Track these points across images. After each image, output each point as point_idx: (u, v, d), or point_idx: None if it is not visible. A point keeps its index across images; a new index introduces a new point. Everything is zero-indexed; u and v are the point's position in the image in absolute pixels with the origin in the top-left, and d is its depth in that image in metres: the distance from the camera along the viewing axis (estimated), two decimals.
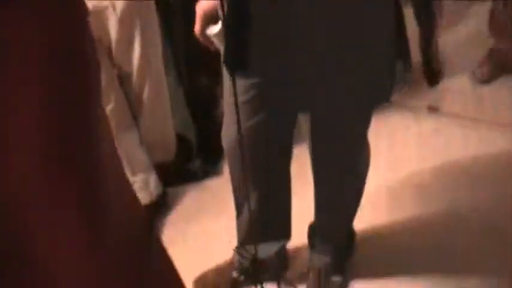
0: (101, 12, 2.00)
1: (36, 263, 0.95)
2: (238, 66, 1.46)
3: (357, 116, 1.60)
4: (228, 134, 1.67)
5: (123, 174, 1.12)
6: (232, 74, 1.40)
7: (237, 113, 1.38)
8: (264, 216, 1.75)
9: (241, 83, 1.49)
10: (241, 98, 1.50)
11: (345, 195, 1.80)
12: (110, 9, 2.01)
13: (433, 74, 2.72)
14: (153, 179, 2.26)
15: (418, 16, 2.67)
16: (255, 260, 1.74)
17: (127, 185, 1.14)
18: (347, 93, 1.50)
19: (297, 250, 2.02)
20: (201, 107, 2.55)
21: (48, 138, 0.85)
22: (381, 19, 1.46)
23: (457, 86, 2.74)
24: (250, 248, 1.87)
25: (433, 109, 2.69)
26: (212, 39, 1.55)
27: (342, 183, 1.75)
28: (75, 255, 0.97)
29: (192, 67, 2.46)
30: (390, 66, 1.57)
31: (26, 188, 0.87)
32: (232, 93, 1.55)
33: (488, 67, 2.69)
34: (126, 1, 2.01)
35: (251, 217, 1.74)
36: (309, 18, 1.39)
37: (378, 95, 1.58)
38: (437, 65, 2.74)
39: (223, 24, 1.47)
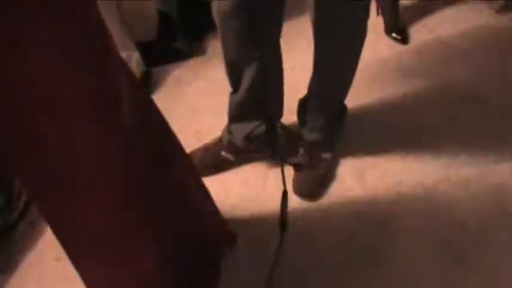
0: None
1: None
2: None
3: None
4: (220, 5, 1.60)
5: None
6: None
7: None
8: (260, 91, 1.71)
9: None
10: None
11: (344, 60, 1.75)
12: None
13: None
14: (135, 57, 2.20)
15: None
16: (272, 127, 1.73)
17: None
18: None
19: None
20: None
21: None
22: None
23: None
24: (239, 127, 1.86)
25: None
26: None
27: (341, 46, 1.70)
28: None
29: None
30: None
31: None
32: None
33: None
34: None
35: (248, 91, 1.71)
36: None
37: None
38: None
39: None
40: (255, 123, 1.83)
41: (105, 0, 2.03)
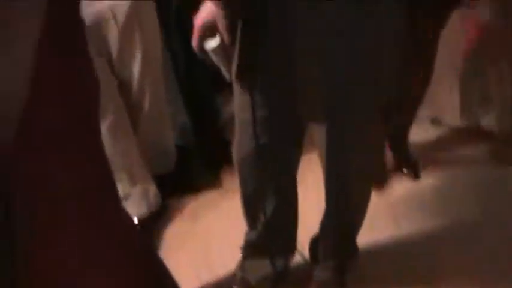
0: (101, 24, 2.00)
1: None
2: (252, 82, 1.47)
3: (374, 117, 1.59)
4: (241, 150, 1.67)
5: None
6: (249, 90, 1.44)
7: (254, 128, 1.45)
8: (276, 231, 1.76)
9: (249, 99, 1.50)
10: (250, 116, 1.53)
11: (356, 204, 1.77)
12: (111, 22, 2.00)
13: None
14: (152, 190, 2.23)
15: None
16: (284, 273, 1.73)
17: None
18: (363, 99, 1.51)
19: (296, 263, 1.99)
20: (202, 118, 2.53)
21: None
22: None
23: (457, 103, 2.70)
24: (253, 264, 1.87)
25: (436, 122, 2.67)
26: (210, 54, 1.53)
27: (354, 189, 1.72)
28: None
29: (193, 78, 2.45)
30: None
31: None
32: (245, 109, 1.56)
33: None
34: (127, 11, 2.00)
35: (264, 230, 1.77)
36: (320, 31, 1.39)
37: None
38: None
39: (222, 39, 1.47)
40: (269, 262, 1.84)
41: (124, 136, 2.14)
